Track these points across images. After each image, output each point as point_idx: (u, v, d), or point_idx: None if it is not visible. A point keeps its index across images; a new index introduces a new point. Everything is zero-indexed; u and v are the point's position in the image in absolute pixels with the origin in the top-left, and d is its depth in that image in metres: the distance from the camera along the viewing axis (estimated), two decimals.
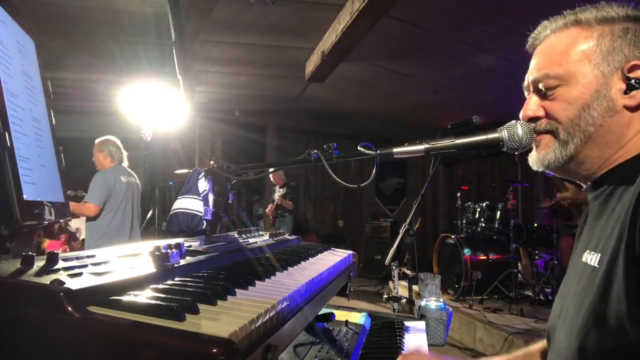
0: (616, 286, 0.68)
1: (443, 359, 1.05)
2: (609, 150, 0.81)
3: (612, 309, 0.67)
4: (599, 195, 0.84)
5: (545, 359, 0.99)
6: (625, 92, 0.78)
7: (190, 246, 1.05)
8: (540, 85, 0.85)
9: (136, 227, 3.89)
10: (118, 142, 3.92)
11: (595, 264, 0.75)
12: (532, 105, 0.88)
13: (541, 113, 0.86)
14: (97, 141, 3.90)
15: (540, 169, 0.91)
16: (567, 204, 3.82)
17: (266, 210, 7.10)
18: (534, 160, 0.91)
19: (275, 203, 6.81)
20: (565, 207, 4.11)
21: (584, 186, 0.90)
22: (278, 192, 6.84)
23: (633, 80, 0.77)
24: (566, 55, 0.82)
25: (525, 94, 0.93)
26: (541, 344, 1.05)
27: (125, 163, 3.96)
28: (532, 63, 0.89)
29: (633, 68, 0.78)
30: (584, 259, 0.80)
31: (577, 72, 0.81)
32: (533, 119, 0.88)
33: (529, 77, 0.89)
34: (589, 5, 0.85)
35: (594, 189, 0.85)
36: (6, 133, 0.74)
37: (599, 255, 0.75)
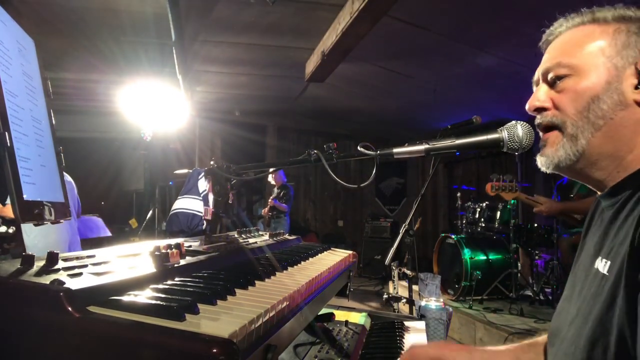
0: (620, 297, 0.66)
1: (448, 347, 1.03)
2: (623, 148, 0.78)
3: (616, 320, 0.66)
4: (614, 203, 0.80)
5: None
6: (637, 87, 0.77)
7: (190, 246, 1.04)
8: (550, 75, 0.84)
9: (74, 230, 3.48)
10: None
11: (605, 272, 0.73)
12: (541, 94, 0.85)
13: (548, 104, 0.84)
14: None
15: (550, 170, 0.86)
16: (545, 215, 3.84)
17: (263, 211, 7.12)
18: (543, 160, 0.86)
19: (268, 205, 6.83)
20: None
21: (598, 193, 0.87)
22: (274, 194, 6.85)
23: None
24: (580, 47, 0.81)
25: (534, 89, 0.90)
26: (546, 336, 1.05)
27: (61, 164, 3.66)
28: (545, 57, 0.87)
29: None
30: (595, 265, 0.78)
31: (589, 64, 0.80)
32: (539, 110, 0.85)
33: (539, 70, 0.87)
34: (607, 6, 0.84)
35: (610, 196, 0.82)
36: (6, 133, 0.74)
37: (609, 263, 0.73)
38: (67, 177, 3.65)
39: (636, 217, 0.69)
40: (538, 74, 0.88)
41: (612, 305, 0.68)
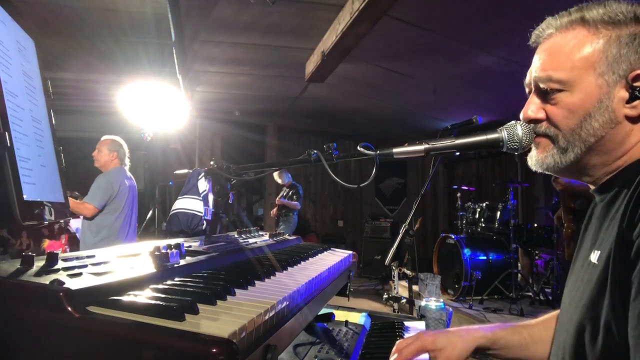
0: (607, 289, 0.69)
1: (452, 331, 0.99)
2: (610, 158, 0.80)
3: (604, 309, 0.69)
4: (604, 198, 0.83)
5: None
6: (628, 102, 0.76)
7: (190, 246, 1.05)
8: (542, 86, 0.82)
9: (133, 229, 3.90)
10: (125, 144, 3.94)
11: (596, 261, 0.76)
12: (533, 106, 0.85)
13: (542, 115, 0.84)
14: (107, 138, 3.87)
15: (539, 171, 0.89)
16: (558, 189, 3.78)
17: (271, 212, 7.15)
18: (533, 161, 0.89)
19: (277, 204, 6.86)
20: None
21: (591, 187, 0.89)
22: (283, 192, 6.89)
23: (637, 91, 0.75)
24: (570, 59, 0.79)
25: (527, 90, 0.90)
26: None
27: (128, 166, 3.96)
28: (536, 60, 0.86)
29: (638, 77, 0.75)
30: (590, 258, 0.80)
31: (580, 80, 0.78)
32: (533, 121, 0.86)
33: (531, 74, 0.86)
34: (596, 2, 0.80)
35: (600, 192, 0.85)
36: (6, 133, 0.74)
37: (599, 252, 0.76)
38: (133, 181, 3.83)
39: (621, 212, 0.72)
40: (529, 78, 0.87)
41: (600, 293, 0.70)
